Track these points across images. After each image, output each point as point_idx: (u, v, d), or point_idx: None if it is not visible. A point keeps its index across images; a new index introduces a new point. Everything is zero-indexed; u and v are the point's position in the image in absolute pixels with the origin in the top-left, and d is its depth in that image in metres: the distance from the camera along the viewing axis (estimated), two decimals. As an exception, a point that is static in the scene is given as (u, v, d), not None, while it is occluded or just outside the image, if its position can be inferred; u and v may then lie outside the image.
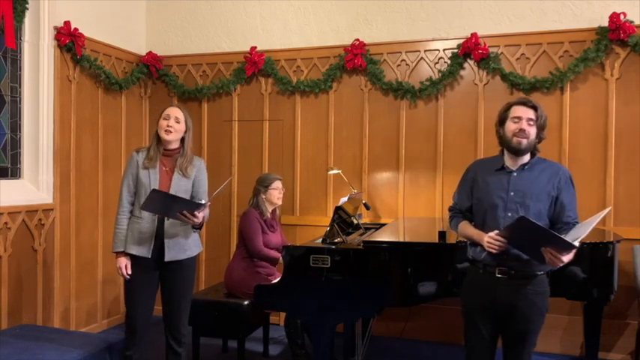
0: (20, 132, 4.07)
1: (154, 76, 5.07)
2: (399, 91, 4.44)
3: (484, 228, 2.45)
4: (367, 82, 4.55)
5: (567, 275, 3.01)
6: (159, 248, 2.95)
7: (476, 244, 2.48)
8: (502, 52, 4.23)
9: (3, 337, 3.29)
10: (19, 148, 4.08)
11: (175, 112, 2.98)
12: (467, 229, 2.55)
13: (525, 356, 2.45)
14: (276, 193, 3.84)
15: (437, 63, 4.40)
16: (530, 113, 2.43)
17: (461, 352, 2.71)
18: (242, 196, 4.73)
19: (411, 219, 4.36)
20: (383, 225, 4.15)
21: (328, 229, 3.29)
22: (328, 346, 3.07)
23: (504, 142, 2.49)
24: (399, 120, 4.49)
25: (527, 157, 2.48)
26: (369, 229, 3.99)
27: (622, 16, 3.87)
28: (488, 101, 4.24)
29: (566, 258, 2.21)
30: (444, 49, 4.37)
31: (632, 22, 3.87)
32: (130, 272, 2.94)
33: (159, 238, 2.94)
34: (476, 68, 4.30)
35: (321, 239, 3.40)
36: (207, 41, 5.02)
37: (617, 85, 4.00)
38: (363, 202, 4.30)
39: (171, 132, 2.95)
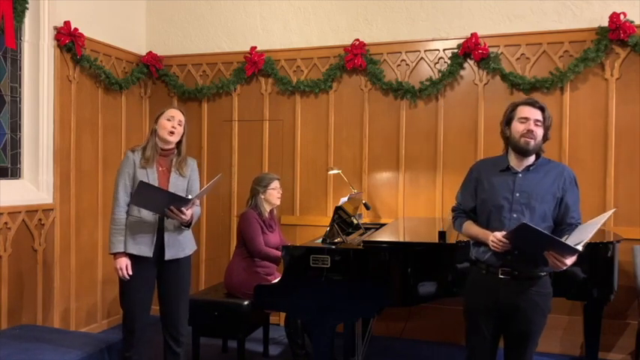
0: (20, 132, 4.07)
1: (154, 76, 5.07)
2: (399, 91, 4.44)
3: (488, 229, 2.44)
4: (367, 82, 4.55)
5: (567, 275, 2.99)
6: (159, 246, 2.95)
7: (479, 244, 2.48)
8: (502, 52, 4.23)
9: (3, 337, 3.29)
10: (19, 148, 4.08)
11: (179, 115, 3.03)
12: (472, 228, 2.54)
13: (527, 357, 2.45)
14: (275, 193, 3.84)
15: (437, 63, 4.40)
16: (537, 114, 2.43)
17: (461, 352, 2.71)
18: (242, 196, 4.72)
19: (411, 219, 4.36)
20: (383, 225, 4.15)
21: (328, 229, 3.29)
22: (328, 346, 3.07)
23: (511, 143, 2.47)
24: (399, 120, 4.49)
25: (532, 158, 2.47)
26: (369, 229, 3.99)
27: (622, 16, 3.87)
28: (488, 101, 4.24)
29: (570, 261, 2.21)
30: (444, 49, 4.37)
31: (632, 22, 3.87)
32: (130, 273, 2.93)
33: (160, 236, 2.94)
34: (476, 68, 4.30)
35: (321, 239, 3.40)
36: (207, 41, 5.02)
37: (617, 85, 4.00)
38: (363, 202, 4.30)
39: (174, 134, 2.99)
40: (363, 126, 4.58)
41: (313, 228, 4.50)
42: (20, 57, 4.06)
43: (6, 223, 3.73)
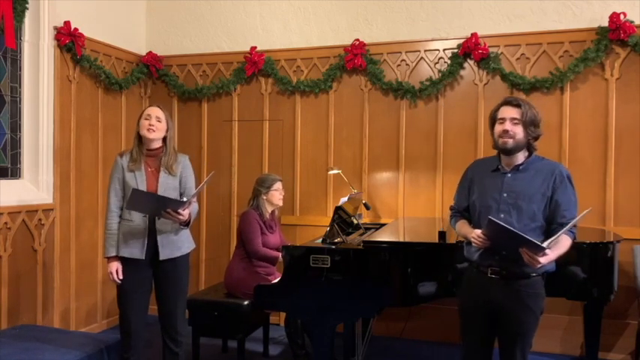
0: (20, 132, 4.07)
1: (154, 76, 5.07)
2: (399, 91, 4.44)
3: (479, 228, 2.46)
4: (367, 82, 4.55)
5: (567, 275, 3.02)
6: (152, 248, 2.95)
7: (470, 243, 2.50)
8: (502, 52, 4.23)
9: (2, 337, 3.29)
10: (19, 148, 4.07)
11: (156, 112, 2.99)
12: (463, 227, 2.58)
13: (520, 357, 2.44)
14: (277, 195, 3.84)
15: (437, 63, 4.40)
16: (513, 112, 2.43)
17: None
18: (242, 196, 4.73)
19: (410, 219, 4.36)
20: (383, 225, 4.15)
21: (328, 229, 3.29)
22: (328, 346, 3.07)
23: (494, 144, 2.50)
24: (399, 120, 4.49)
25: (521, 157, 2.47)
26: (369, 229, 3.99)
27: (622, 16, 3.87)
28: (489, 101, 4.23)
29: (543, 259, 2.21)
30: (444, 49, 4.37)
31: (632, 22, 3.87)
32: (121, 277, 2.94)
33: (152, 237, 2.94)
34: (476, 68, 4.30)
35: (321, 239, 3.40)
36: (207, 41, 5.02)
37: (617, 85, 4.00)
38: (363, 202, 4.30)
39: (154, 130, 2.95)
40: (363, 126, 4.58)
41: (313, 228, 4.50)
42: (20, 57, 4.05)
43: (6, 223, 3.73)
